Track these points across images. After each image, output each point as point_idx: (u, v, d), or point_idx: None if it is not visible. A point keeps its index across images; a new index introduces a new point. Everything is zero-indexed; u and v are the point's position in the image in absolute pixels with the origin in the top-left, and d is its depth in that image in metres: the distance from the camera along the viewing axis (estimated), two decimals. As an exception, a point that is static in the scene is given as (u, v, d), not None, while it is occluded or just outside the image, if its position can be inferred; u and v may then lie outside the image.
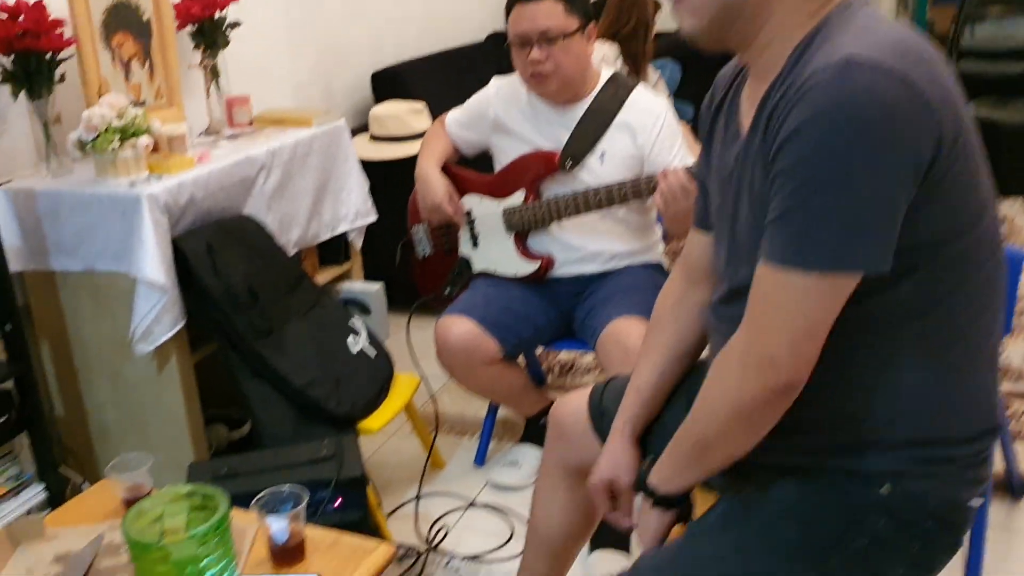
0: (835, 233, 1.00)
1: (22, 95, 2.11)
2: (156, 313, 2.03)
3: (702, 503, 1.30)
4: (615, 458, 1.42)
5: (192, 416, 2.19)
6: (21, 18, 2.06)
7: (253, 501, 1.43)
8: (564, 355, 3.11)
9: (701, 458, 1.18)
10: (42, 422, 2.07)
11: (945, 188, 1.03)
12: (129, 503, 1.58)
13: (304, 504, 1.42)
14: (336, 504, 1.79)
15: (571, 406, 1.59)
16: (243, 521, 1.48)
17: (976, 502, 1.19)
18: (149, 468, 1.58)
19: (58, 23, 2.11)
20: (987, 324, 1.16)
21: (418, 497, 2.34)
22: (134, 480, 1.58)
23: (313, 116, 2.61)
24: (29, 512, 2.04)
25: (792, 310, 1.04)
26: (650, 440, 1.44)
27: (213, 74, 2.64)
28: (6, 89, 2.11)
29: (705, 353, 1.44)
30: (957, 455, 1.16)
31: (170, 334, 2.06)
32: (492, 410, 2.55)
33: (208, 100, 2.64)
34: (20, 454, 2.12)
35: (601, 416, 1.52)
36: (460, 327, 2.22)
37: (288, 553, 1.42)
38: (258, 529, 1.47)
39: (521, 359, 2.74)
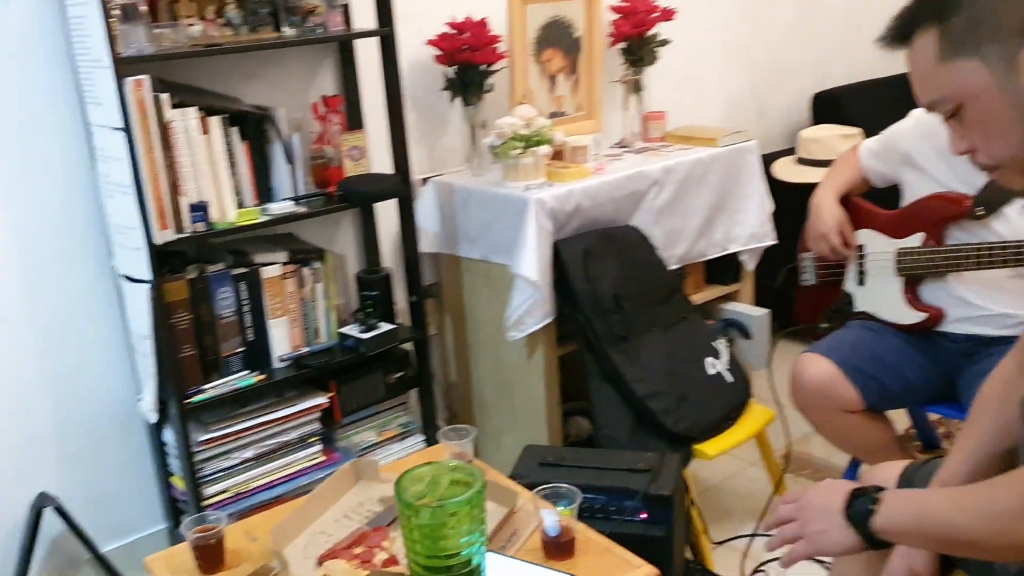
0: None
1: (457, 101, 2.45)
2: (528, 306, 2.24)
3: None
4: (908, 555, 1.30)
5: (550, 403, 2.37)
6: (466, 34, 2.39)
7: (534, 491, 1.54)
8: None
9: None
10: (430, 383, 2.40)
11: None
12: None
13: (577, 504, 1.50)
14: (642, 516, 1.83)
15: (879, 476, 1.46)
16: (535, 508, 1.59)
17: None
18: (472, 439, 1.77)
19: (495, 39, 2.41)
20: None
21: (753, 534, 2.27)
22: (460, 448, 1.78)
23: (720, 135, 2.63)
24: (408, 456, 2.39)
25: None
26: None
27: (635, 89, 2.79)
28: (446, 96, 2.46)
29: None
30: None
31: (537, 327, 2.26)
32: (854, 464, 2.37)
33: (626, 114, 2.80)
34: (412, 407, 2.48)
35: None
36: (817, 367, 2.10)
37: (558, 547, 1.51)
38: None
39: (906, 416, 2.51)
